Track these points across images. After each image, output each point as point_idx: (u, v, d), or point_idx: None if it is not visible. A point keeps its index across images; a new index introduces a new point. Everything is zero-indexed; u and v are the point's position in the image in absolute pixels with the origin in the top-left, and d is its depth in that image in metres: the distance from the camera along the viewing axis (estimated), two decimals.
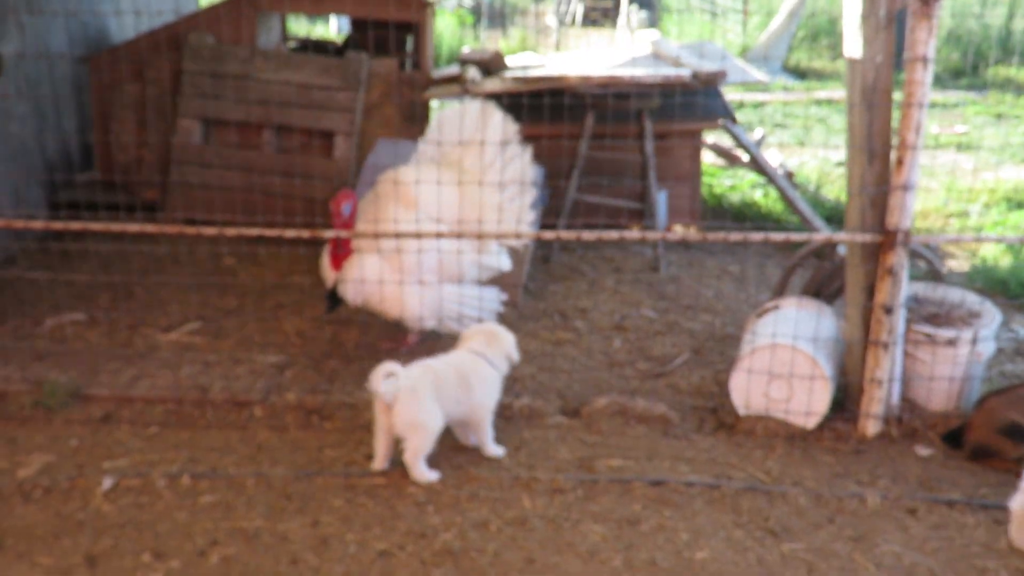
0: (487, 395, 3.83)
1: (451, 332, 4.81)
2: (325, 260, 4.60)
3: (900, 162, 3.81)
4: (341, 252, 4.51)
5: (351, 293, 4.52)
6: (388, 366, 3.62)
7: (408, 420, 3.61)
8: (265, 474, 3.71)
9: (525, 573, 3.13)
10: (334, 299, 4.59)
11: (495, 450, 3.86)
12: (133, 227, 4.20)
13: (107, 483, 3.62)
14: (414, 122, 6.69)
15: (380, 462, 3.73)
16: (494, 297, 4.89)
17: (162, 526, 3.37)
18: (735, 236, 4.01)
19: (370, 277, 4.45)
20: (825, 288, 4.74)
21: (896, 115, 3.92)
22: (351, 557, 3.20)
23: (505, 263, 4.88)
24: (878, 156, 3.94)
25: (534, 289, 5.84)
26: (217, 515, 3.45)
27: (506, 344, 3.92)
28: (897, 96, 3.94)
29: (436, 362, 3.82)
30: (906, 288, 4.01)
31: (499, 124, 4.86)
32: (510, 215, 4.74)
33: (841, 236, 4.08)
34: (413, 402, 3.61)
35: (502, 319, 5.33)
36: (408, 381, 3.65)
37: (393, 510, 3.47)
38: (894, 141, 3.92)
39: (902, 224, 3.86)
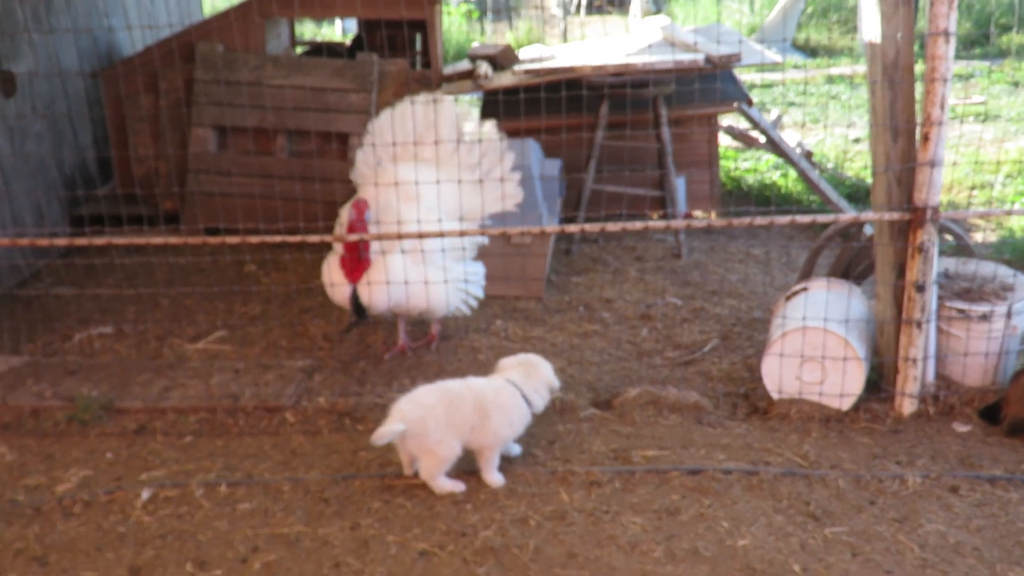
0: (504, 427, 3.60)
1: (460, 314, 4.86)
2: (334, 275, 4.52)
3: (926, 138, 3.77)
4: (362, 260, 4.45)
5: (378, 299, 4.46)
6: (398, 410, 3.55)
7: (418, 447, 3.56)
8: (301, 479, 3.72)
9: (568, 568, 3.12)
10: (360, 310, 4.54)
11: (496, 478, 3.63)
12: (157, 240, 4.21)
13: (145, 495, 3.63)
14: None
15: (406, 469, 3.70)
16: (482, 271, 4.93)
17: (203, 535, 3.38)
18: (761, 220, 3.98)
19: (396, 278, 4.42)
20: (853, 268, 4.70)
21: (919, 90, 3.88)
22: (393, 558, 3.20)
23: (483, 238, 4.93)
24: (902, 133, 3.90)
25: (557, 282, 5.83)
26: (256, 522, 3.45)
27: (544, 373, 3.74)
28: (918, 69, 3.89)
29: (456, 384, 3.68)
30: (937, 264, 3.97)
31: (451, 117, 4.85)
32: (490, 195, 4.84)
33: (869, 215, 4.04)
34: (422, 432, 3.52)
35: (527, 314, 5.33)
36: (417, 411, 3.54)
37: (431, 510, 3.47)
38: (918, 117, 3.88)
39: (931, 201, 3.82)
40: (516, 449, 3.80)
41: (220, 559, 3.23)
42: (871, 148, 4.02)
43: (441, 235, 4.21)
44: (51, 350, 5.02)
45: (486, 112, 6.53)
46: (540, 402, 3.73)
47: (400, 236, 4.25)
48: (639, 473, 3.66)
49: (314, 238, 4.19)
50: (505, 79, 6.42)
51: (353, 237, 4.33)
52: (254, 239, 4.18)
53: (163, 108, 6.71)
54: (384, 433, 3.48)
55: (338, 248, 4.52)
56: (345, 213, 4.57)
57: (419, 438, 3.53)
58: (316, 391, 4.46)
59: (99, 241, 4.18)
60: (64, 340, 5.14)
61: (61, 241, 4.27)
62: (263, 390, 4.43)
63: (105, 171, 7.24)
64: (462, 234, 4.28)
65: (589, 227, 4.08)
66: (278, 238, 4.14)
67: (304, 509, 3.52)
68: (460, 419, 3.55)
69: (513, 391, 3.65)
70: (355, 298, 4.49)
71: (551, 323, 5.21)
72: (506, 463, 3.72)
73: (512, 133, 5.93)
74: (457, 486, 3.58)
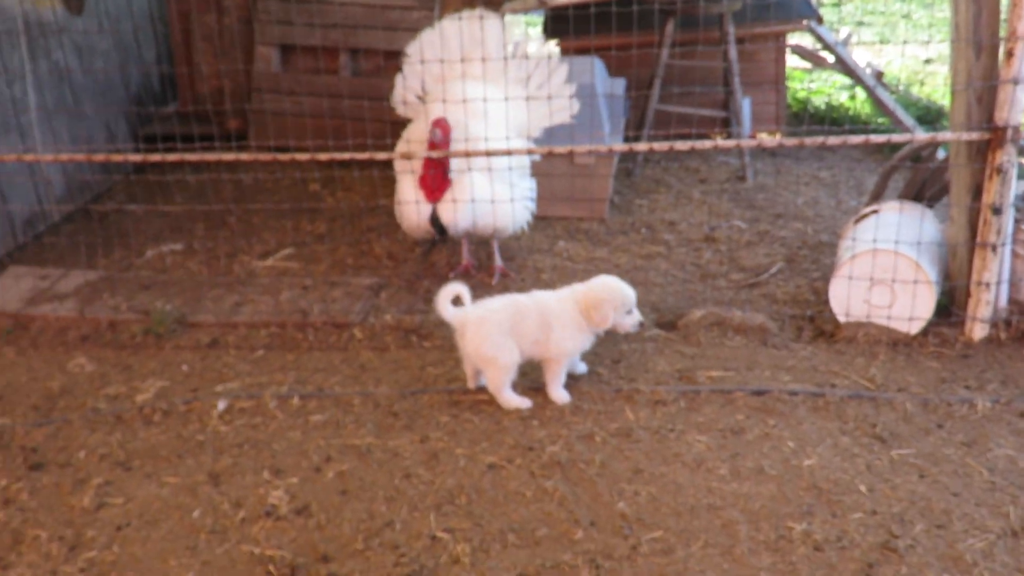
0: (565, 340, 3.61)
1: (523, 232, 4.87)
2: (413, 194, 4.47)
3: (1010, 54, 3.64)
4: (444, 180, 4.41)
5: (459, 218, 4.42)
6: (451, 288, 3.62)
7: (477, 351, 3.60)
8: (371, 393, 3.80)
9: (633, 483, 3.16)
10: (441, 230, 4.52)
11: (561, 395, 3.68)
12: (228, 155, 4.26)
13: (221, 405, 3.74)
14: None
15: (470, 382, 3.77)
16: (535, 186, 4.90)
17: (278, 444, 3.48)
18: (834, 139, 3.90)
19: (477, 196, 4.40)
20: (926, 190, 4.61)
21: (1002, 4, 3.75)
22: (462, 470, 3.27)
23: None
24: (986, 49, 3.77)
25: (619, 203, 5.80)
26: (328, 433, 3.54)
27: (605, 295, 3.61)
28: None
29: (523, 297, 3.70)
30: (1015, 187, 3.87)
31: (498, 32, 4.77)
32: (543, 109, 4.81)
33: (946, 135, 3.94)
34: (480, 334, 3.57)
35: (590, 234, 5.32)
36: (478, 312, 3.61)
37: (499, 425, 3.53)
38: (1002, 32, 3.75)
39: (1012, 120, 3.71)
40: (582, 367, 3.83)
41: (295, 467, 3.33)
42: (951, 65, 3.90)
43: (509, 153, 4.20)
44: (125, 265, 5.15)
45: (554, 29, 6.44)
46: (592, 325, 3.64)
47: (488, 153, 4.21)
48: (704, 393, 3.68)
49: (382, 155, 4.21)
50: None
51: (437, 154, 4.28)
52: (323, 156, 4.21)
53: (227, 26, 6.72)
54: (442, 297, 3.58)
55: (402, 167, 4.52)
56: (415, 132, 4.54)
57: (478, 340, 3.58)
58: (383, 308, 4.52)
59: (172, 157, 4.24)
60: (137, 256, 5.26)
61: (135, 157, 4.35)
62: (331, 306, 4.51)
63: (168, 90, 7.30)
64: (529, 152, 4.27)
65: (658, 146, 4.04)
66: (347, 155, 4.16)
67: (374, 422, 3.60)
68: (524, 330, 3.59)
69: (573, 304, 3.65)
70: (435, 218, 4.48)
71: (614, 244, 5.21)
72: (572, 381, 3.76)
73: (581, 51, 5.86)
74: (524, 402, 3.63)
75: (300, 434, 3.55)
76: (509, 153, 4.22)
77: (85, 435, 3.60)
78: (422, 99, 4.84)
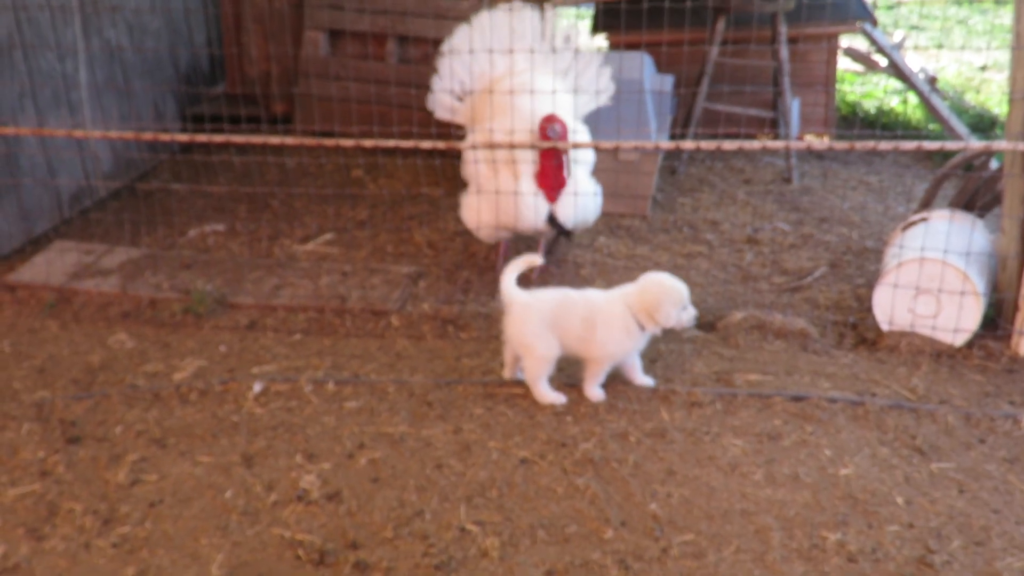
0: (610, 343, 3.56)
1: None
2: (528, 187, 4.31)
3: None
4: (563, 178, 4.29)
5: (571, 213, 4.32)
6: (527, 258, 3.64)
7: (516, 337, 3.60)
8: (406, 381, 3.80)
9: (666, 484, 3.14)
10: (558, 227, 4.42)
11: (597, 393, 3.64)
12: (273, 139, 4.27)
13: (257, 387, 3.76)
14: None
15: (507, 371, 3.76)
16: None
17: (311, 429, 3.49)
18: (885, 144, 3.83)
19: (581, 190, 4.35)
20: (976, 200, 4.52)
21: None
22: (494, 463, 3.26)
23: None
24: None
25: (662, 201, 5.75)
26: (362, 420, 3.55)
27: (654, 298, 3.51)
28: None
29: (574, 293, 3.66)
30: None
31: (534, 24, 4.71)
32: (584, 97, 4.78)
33: (1001, 144, 3.85)
34: (521, 320, 3.56)
35: (631, 231, 5.28)
36: (526, 297, 3.60)
37: (533, 419, 3.52)
38: None
39: None
40: (648, 380, 3.73)
41: (328, 453, 3.34)
42: (1010, 74, 3.82)
43: (617, 148, 4.18)
44: (167, 244, 5.20)
45: (604, 24, 6.39)
46: (652, 325, 3.57)
47: (597, 147, 4.19)
48: (741, 396, 3.64)
49: (427, 144, 4.20)
50: None
51: (547, 145, 4.18)
52: (368, 143, 4.21)
53: (278, 9, 6.75)
54: (512, 269, 3.61)
55: (500, 159, 4.43)
56: (516, 123, 4.38)
57: (519, 325, 3.57)
58: (421, 297, 4.52)
59: (218, 138, 4.27)
60: (180, 235, 5.31)
61: (182, 137, 4.38)
62: (370, 293, 4.52)
63: (215, 71, 7.35)
64: (575, 145, 4.23)
65: (705, 145, 3.99)
66: (391, 142, 4.15)
67: (408, 410, 3.60)
68: (568, 325, 3.56)
69: (623, 307, 3.59)
70: (550, 216, 4.37)
71: (655, 242, 5.16)
72: (608, 379, 3.72)
73: (630, 46, 5.82)
74: (558, 397, 3.62)
75: (334, 419, 3.56)
76: (617, 148, 4.20)
77: (123, 411, 3.64)
78: (461, 99, 4.79)
